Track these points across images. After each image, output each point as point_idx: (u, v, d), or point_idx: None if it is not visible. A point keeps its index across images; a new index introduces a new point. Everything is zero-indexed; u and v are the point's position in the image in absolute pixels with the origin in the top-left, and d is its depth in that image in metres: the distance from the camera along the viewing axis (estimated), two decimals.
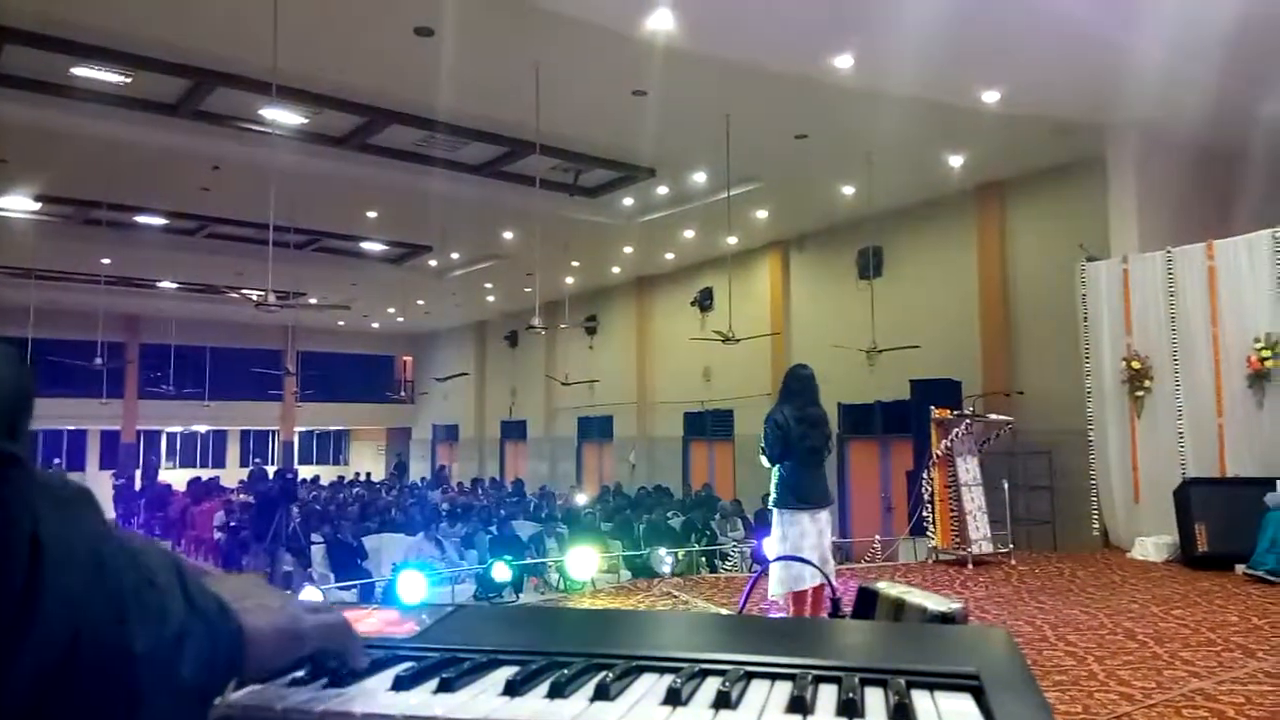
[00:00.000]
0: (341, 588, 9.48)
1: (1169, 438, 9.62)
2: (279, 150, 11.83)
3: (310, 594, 7.40)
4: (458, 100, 10.61)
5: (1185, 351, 9.56)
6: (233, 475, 25.15)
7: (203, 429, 28.81)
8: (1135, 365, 9.91)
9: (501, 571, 8.52)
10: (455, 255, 19.18)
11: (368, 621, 0.92)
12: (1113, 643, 5.67)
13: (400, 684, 0.74)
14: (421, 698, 0.72)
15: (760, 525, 12.47)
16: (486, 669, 0.79)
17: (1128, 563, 9.22)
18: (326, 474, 26.66)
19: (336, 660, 0.76)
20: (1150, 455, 9.82)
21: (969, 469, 10.15)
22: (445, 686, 0.74)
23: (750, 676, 0.78)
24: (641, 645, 0.85)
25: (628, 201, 15.12)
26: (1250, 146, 10.29)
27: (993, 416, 10.84)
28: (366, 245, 18.50)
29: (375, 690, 0.74)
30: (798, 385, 6.05)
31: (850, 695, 0.70)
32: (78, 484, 0.55)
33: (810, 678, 0.75)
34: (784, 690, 0.73)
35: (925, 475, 10.31)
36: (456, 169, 13.40)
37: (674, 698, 0.71)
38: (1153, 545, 9.28)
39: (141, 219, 16.22)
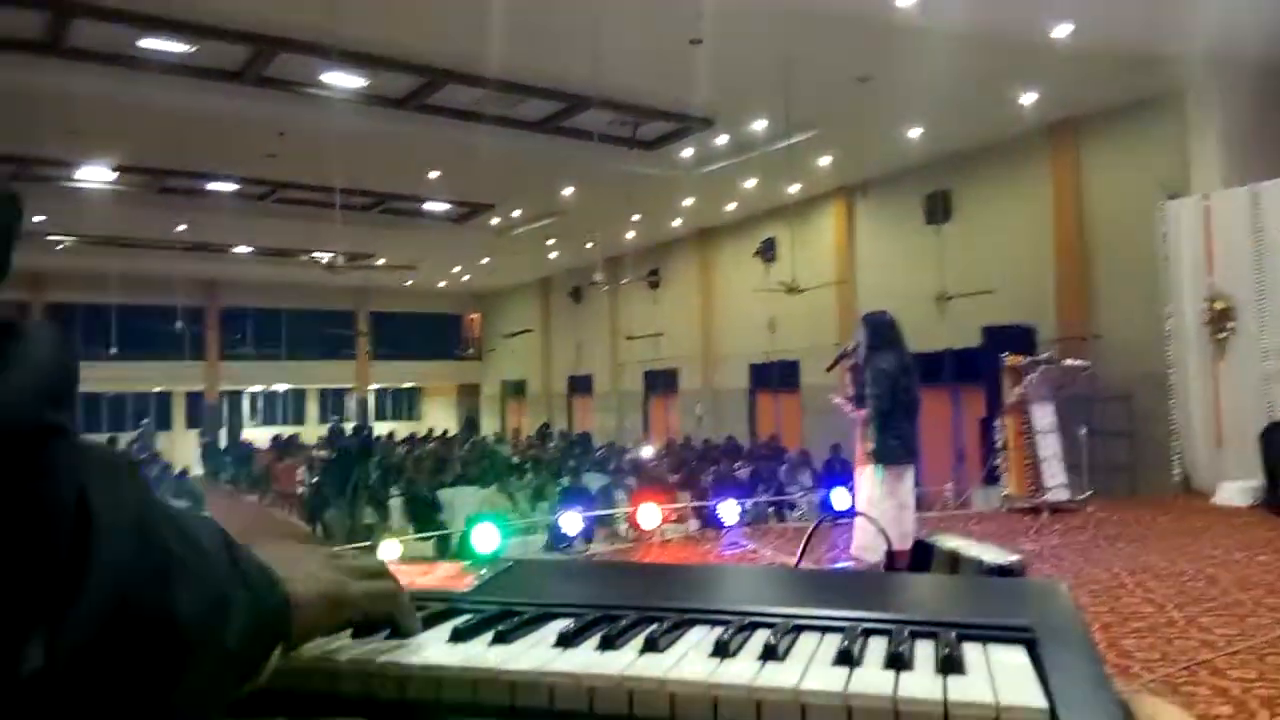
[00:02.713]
0: (419, 539, 9.76)
1: (1254, 379, 9.28)
2: (341, 114, 12.00)
3: (385, 548, 7.64)
4: (514, 56, 10.57)
5: (1271, 290, 9.17)
6: (312, 432, 25.95)
7: (282, 388, 29.70)
8: (1218, 305, 9.55)
9: (571, 522, 8.68)
10: (517, 213, 19.26)
11: (430, 576, 0.95)
12: (1194, 590, 5.54)
13: (458, 636, 0.77)
14: (477, 649, 0.74)
15: (828, 475, 12.44)
16: (541, 622, 0.81)
17: (1210, 508, 8.97)
18: (401, 430, 27.32)
19: (386, 625, 0.78)
20: (1234, 397, 9.49)
21: (1044, 416, 9.94)
22: (500, 639, 0.76)
23: (800, 629, 0.78)
24: (693, 598, 0.86)
25: (687, 153, 14.96)
26: None
27: (1068, 362, 10.56)
28: (430, 206, 18.69)
29: (434, 642, 0.77)
30: (891, 332, 5.72)
31: (899, 648, 0.70)
32: (124, 453, 0.58)
33: (860, 630, 0.76)
34: (833, 643, 0.74)
35: (998, 423, 10.15)
36: (515, 126, 13.41)
37: (722, 650, 0.72)
38: (1237, 490, 8.99)
39: (213, 186, 16.63)
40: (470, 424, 30.04)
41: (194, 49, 10.65)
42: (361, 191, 16.49)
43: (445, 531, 9.41)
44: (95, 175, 15.55)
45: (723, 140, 14.33)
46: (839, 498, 9.07)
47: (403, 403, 32.75)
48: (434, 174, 16.06)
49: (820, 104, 12.05)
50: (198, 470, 22.48)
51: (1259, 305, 9.24)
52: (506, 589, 0.92)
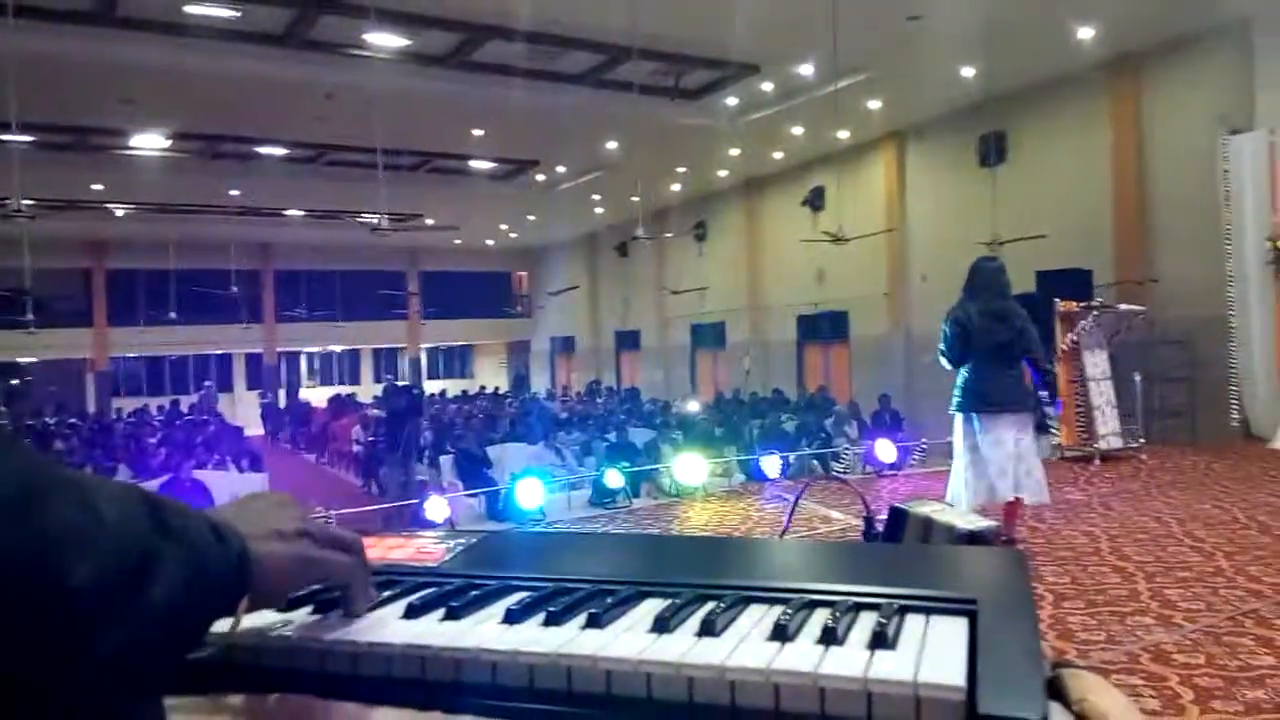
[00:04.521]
0: (469, 495, 9.95)
1: None
2: (385, 74, 12.03)
3: (432, 505, 7.81)
4: (552, 8, 10.49)
5: None
6: (368, 391, 26.49)
7: (338, 349, 30.27)
8: None
9: (614, 478, 8.77)
10: (562, 169, 19.22)
11: (403, 549, 0.98)
12: (1245, 538, 5.44)
13: (411, 612, 0.79)
14: (426, 626, 0.76)
15: (877, 427, 12.35)
16: (499, 596, 0.83)
17: (1269, 454, 8.75)
18: (453, 388, 27.72)
19: (341, 597, 0.79)
20: None
21: (1097, 363, 9.74)
22: (451, 615, 0.78)
23: (749, 601, 0.79)
24: (651, 571, 0.88)
25: (731, 101, 14.73)
26: None
27: (1123, 307, 10.31)
28: (475, 164, 18.74)
29: (386, 619, 0.79)
30: (983, 279, 5.49)
31: (834, 622, 0.71)
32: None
33: (805, 602, 0.76)
34: (777, 616, 0.75)
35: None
36: (556, 80, 13.33)
37: (661, 625, 0.73)
38: None
39: (263, 150, 16.86)
40: (520, 381, 30.35)
41: (239, 14, 10.76)
42: (408, 152, 16.59)
43: (494, 487, 9.57)
44: (149, 143, 15.86)
45: (768, 87, 14.07)
46: (884, 449, 9.03)
47: (455, 361, 33.19)
48: (478, 132, 16.08)
49: (869, 45, 11.74)
50: (257, 430, 23.14)
51: None
52: (475, 562, 0.94)
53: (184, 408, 21.62)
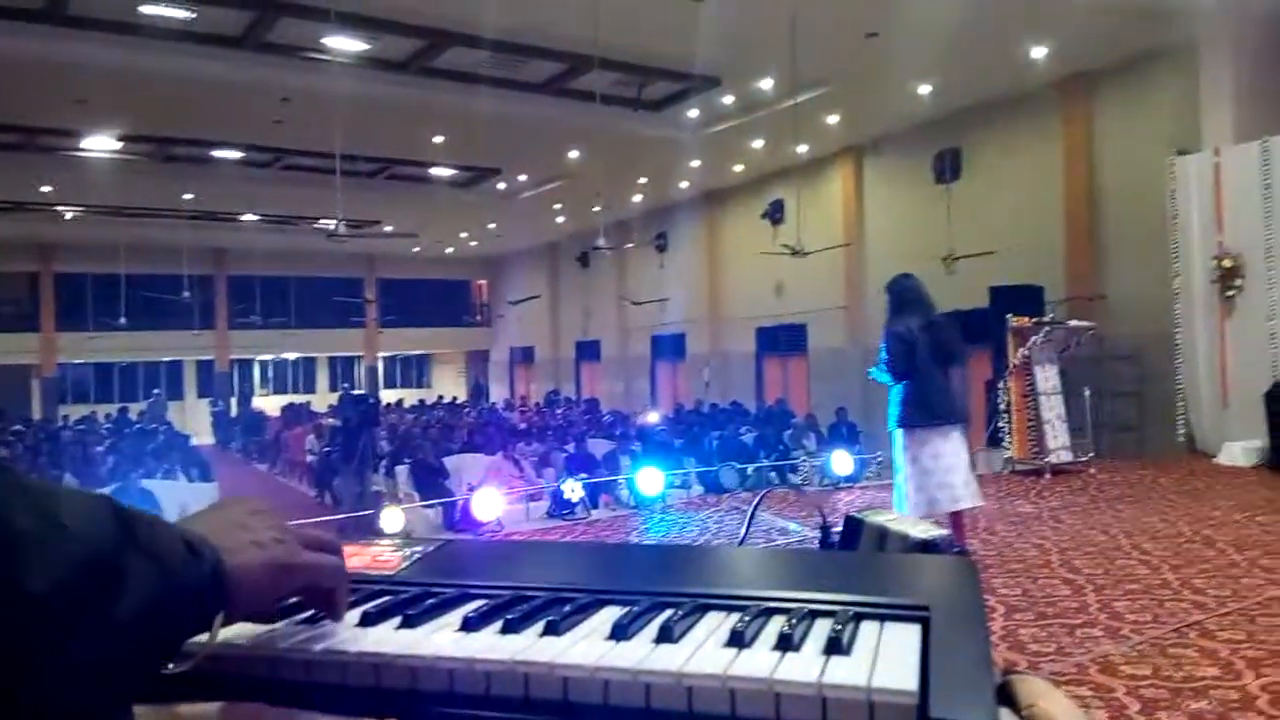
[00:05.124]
0: (425, 506, 9.85)
1: (1260, 339, 9.22)
2: (344, 79, 11.93)
3: (388, 516, 7.73)
4: (514, 16, 10.49)
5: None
6: (323, 400, 26.12)
7: (292, 356, 29.84)
8: (1226, 264, 9.46)
9: (573, 489, 8.75)
10: (523, 177, 19.18)
11: (359, 557, 0.97)
12: (1190, 551, 5.56)
13: (366, 620, 0.78)
14: (382, 634, 0.76)
15: (834, 439, 12.46)
16: (456, 604, 0.82)
17: (1214, 469, 8.96)
18: (410, 397, 27.46)
19: (323, 603, 0.78)
20: (1240, 357, 9.44)
21: (1047, 377, 9.93)
22: (407, 623, 0.77)
23: (706, 609, 0.80)
24: (609, 579, 0.88)
25: (693, 113, 14.84)
26: None
27: (1073, 323, 10.53)
28: (435, 170, 18.63)
29: (343, 626, 0.78)
30: (914, 294, 5.56)
31: (790, 628, 0.71)
32: None
33: (761, 610, 0.77)
34: (734, 623, 0.75)
35: (1001, 385, 10.13)
36: (518, 89, 13.32)
37: (619, 633, 0.73)
38: (1241, 450, 8.98)
39: (218, 154, 16.61)
40: (479, 391, 30.16)
41: (194, 15, 10.60)
42: (367, 158, 16.45)
43: (451, 499, 9.49)
44: (100, 145, 15.56)
45: (729, 100, 14.19)
46: (840, 461, 9.11)
47: (412, 370, 32.89)
48: (438, 139, 15.99)
49: (828, 61, 11.91)
50: (208, 439, 22.70)
51: (1268, 263, 9.16)
52: (432, 570, 0.93)
53: (133, 416, 21.14)
